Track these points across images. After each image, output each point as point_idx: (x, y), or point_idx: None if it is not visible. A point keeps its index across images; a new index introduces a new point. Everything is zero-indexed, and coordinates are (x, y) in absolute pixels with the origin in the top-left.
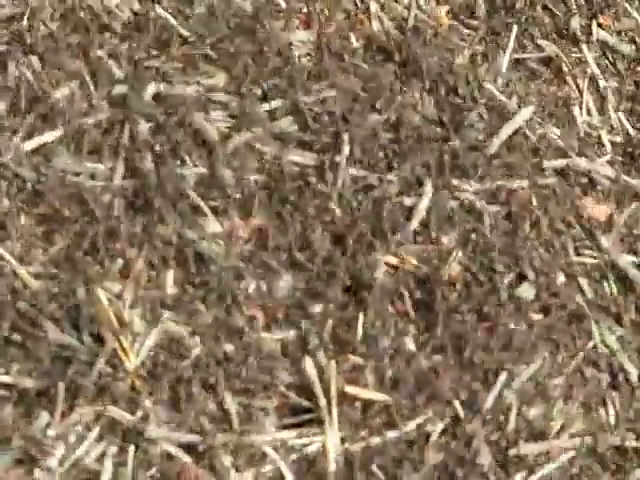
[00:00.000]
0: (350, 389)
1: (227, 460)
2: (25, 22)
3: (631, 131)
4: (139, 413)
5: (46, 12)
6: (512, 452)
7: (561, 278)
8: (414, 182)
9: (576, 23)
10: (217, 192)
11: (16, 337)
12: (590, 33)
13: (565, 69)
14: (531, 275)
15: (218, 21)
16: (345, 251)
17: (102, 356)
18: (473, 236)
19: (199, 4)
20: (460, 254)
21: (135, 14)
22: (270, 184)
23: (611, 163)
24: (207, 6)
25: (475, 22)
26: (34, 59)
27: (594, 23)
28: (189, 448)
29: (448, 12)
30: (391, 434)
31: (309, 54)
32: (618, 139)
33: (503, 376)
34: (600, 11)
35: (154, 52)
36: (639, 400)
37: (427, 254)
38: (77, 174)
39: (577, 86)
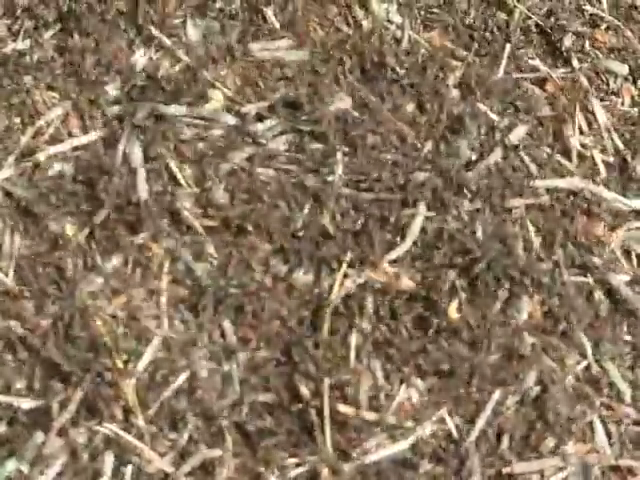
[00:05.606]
0: (343, 408)
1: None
2: None
3: (624, 150)
4: (133, 431)
5: None
6: (505, 471)
7: (554, 298)
8: (408, 201)
9: (569, 42)
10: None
11: (11, 357)
12: (583, 52)
13: (557, 88)
14: (524, 294)
15: None
16: (339, 268)
17: (96, 374)
18: (466, 255)
19: None
20: (453, 273)
21: None
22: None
23: (604, 182)
24: None
25: (468, 42)
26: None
27: (587, 42)
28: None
29: (441, 31)
30: (385, 453)
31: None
32: (611, 159)
33: (496, 395)
34: (593, 30)
35: None
36: (632, 419)
37: (420, 273)
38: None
39: (569, 105)
